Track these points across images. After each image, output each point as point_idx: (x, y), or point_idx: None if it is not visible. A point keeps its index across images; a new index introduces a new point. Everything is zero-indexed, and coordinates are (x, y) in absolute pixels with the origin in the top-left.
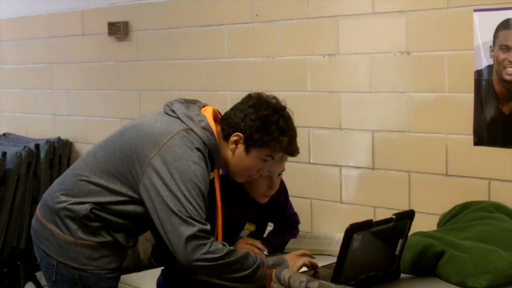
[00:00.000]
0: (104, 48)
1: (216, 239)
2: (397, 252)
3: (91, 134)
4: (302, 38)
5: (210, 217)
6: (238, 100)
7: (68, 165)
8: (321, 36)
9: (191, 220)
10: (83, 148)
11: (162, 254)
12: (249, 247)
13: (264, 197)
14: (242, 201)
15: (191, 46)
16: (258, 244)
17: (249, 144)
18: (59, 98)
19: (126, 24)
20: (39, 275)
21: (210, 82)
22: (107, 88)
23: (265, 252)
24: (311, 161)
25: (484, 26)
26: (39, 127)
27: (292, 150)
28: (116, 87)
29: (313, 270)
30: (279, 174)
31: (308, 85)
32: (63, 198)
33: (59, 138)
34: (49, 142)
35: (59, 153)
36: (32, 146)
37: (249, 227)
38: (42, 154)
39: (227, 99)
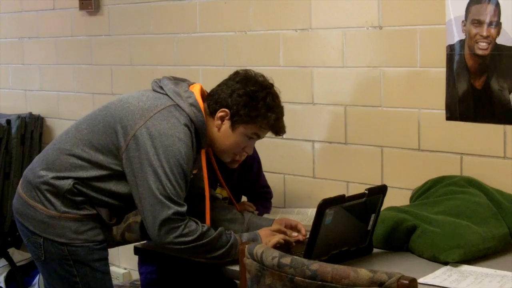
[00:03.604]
0: (75, 23)
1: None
2: (369, 227)
3: (62, 109)
4: (275, 13)
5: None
6: (211, 74)
7: (40, 141)
8: (294, 10)
9: (167, 202)
10: (55, 123)
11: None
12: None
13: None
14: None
15: (163, 20)
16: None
17: (235, 120)
18: (30, 73)
19: None
20: (12, 251)
21: (182, 56)
22: (78, 63)
23: (255, 212)
24: (284, 136)
25: (456, 1)
26: (10, 102)
27: (279, 127)
28: (87, 61)
29: (287, 247)
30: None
31: (281, 59)
32: (43, 172)
33: (30, 114)
34: (21, 118)
35: (31, 129)
36: (3, 121)
37: (221, 192)
38: (14, 130)
39: (199, 74)
